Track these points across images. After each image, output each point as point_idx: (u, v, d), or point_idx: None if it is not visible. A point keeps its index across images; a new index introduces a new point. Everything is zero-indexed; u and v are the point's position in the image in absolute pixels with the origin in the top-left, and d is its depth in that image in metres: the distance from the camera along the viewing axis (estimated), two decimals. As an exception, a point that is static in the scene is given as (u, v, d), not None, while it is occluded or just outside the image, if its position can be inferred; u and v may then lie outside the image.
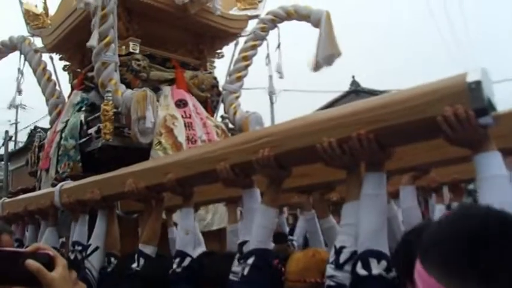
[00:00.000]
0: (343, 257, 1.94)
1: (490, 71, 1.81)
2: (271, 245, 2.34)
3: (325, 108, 22.23)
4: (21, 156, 18.87)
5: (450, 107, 1.74)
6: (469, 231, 0.91)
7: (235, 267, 2.51)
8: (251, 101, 6.23)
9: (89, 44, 4.71)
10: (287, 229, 5.36)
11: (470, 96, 1.73)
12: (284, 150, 2.25)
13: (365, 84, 23.37)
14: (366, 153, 1.97)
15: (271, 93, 5.70)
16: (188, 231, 2.87)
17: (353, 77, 23.53)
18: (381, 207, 1.97)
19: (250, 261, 2.22)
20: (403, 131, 1.93)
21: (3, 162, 22.18)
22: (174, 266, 2.80)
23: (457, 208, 1.07)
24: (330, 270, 1.97)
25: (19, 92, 6.51)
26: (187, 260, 2.79)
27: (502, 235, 0.91)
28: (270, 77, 17.10)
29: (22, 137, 23.83)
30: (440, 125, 1.77)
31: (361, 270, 1.81)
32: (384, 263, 1.82)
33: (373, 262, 1.81)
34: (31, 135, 19.15)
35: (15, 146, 23.83)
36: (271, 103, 17.74)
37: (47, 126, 6.51)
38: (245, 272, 2.22)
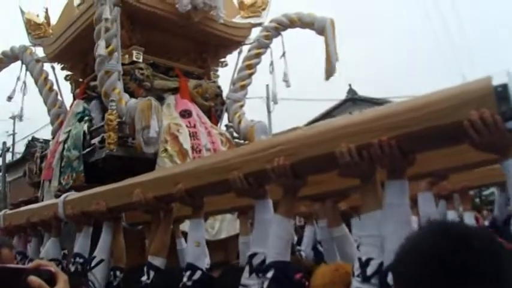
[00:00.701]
0: (370, 270, 1.87)
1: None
2: (289, 257, 2.27)
3: (323, 117, 22.30)
4: (18, 168, 18.80)
5: (476, 111, 1.68)
6: (429, 255, 0.98)
7: (246, 279, 2.43)
8: (248, 109, 6.18)
9: (97, 53, 4.64)
10: (295, 239, 5.27)
11: (497, 99, 1.67)
12: (300, 158, 2.18)
13: (362, 92, 23.32)
14: (388, 160, 1.91)
15: (274, 102, 5.66)
16: (199, 243, 2.81)
17: (350, 85, 23.50)
18: (406, 216, 1.91)
19: (270, 274, 2.15)
20: (426, 137, 1.86)
21: (0, 173, 22.11)
22: (185, 279, 2.72)
23: (420, 228, 1.14)
24: (356, 283, 1.89)
25: (9, 98, 6.40)
26: (198, 274, 2.72)
27: (460, 261, 0.96)
28: (267, 86, 17.17)
29: (20, 148, 23.76)
30: (467, 130, 1.70)
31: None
32: None
33: None
34: (29, 146, 19.08)
35: (12, 157, 23.76)
36: (269, 112, 17.73)
37: (45, 137, 6.46)
38: (264, 287, 2.15)
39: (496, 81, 1.69)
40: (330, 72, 5.46)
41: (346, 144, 1.97)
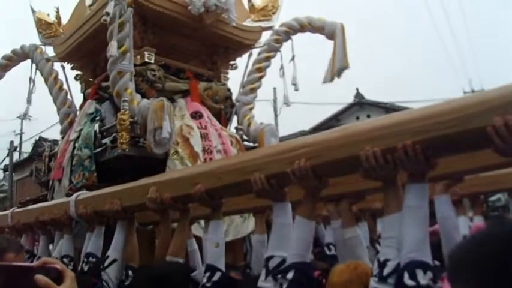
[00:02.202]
0: (387, 270, 1.90)
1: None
2: (309, 259, 2.29)
3: (329, 121, 22.30)
4: (25, 167, 18.90)
5: (500, 118, 1.71)
6: (499, 256, 0.91)
7: (261, 282, 2.44)
8: (255, 112, 6.21)
9: (109, 53, 4.66)
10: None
11: None
12: (323, 161, 2.21)
13: (369, 96, 23.29)
14: (412, 164, 1.93)
15: (286, 104, 5.73)
16: (218, 244, 2.81)
17: (357, 89, 23.45)
18: (423, 219, 1.94)
19: (290, 275, 2.16)
20: (450, 142, 1.89)
21: (7, 173, 22.16)
22: (204, 280, 2.73)
23: (486, 228, 1.07)
24: (373, 283, 1.93)
25: (29, 101, 6.43)
26: (217, 275, 2.72)
27: None
28: (274, 89, 17.21)
29: (27, 148, 23.85)
30: (491, 136, 1.73)
31: (408, 281, 1.77)
32: (429, 274, 1.79)
33: (419, 273, 1.78)
34: (36, 145, 19.15)
35: (19, 157, 23.81)
36: (276, 115, 17.76)
37: (52, 137, 6.47)
38: None
39: None
40: (331, 76, 5.47)
41: (372, 148, 2.00)
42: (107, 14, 4.64)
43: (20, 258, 2.92)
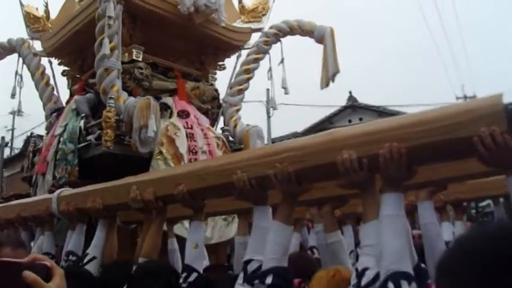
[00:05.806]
0: (365, 280, 1.88)
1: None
2: (286, 263, 2.27)
3: (322, 123, 22.33)
4: (16, 163, 18.66)
5: (486, 128, 1.71)
6: (479, 256, 0.88)
7: (239, 286, 2.42)
8: (247, 114, 6.20)
9: (101, 53, 4.62)
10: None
11: (507, 117, 1.70)
12: (306, 166, 2.19)
13: (362, 99, 23.33)
14: (393, 169, 1.92)
15: (273, 107, 5.78)
16: (197, 245, 2.79)
17: (350, 92, 23.47)
18: (402, 227, 1.92)
19: (269, 280, 2.12)
20: (435, 150, 1.88)
21: (-2, 168, 21.87)
22: (180, 280, 2.71)
23: (468, 232, 1.02)
24: None
25: (13, 95, 6.35)
26: (193, 276, 2.70)
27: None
28: (268, 90, 17.08)
29: (18, 144, 23.60)
30: (476, 146, 1.73)
31: None
32: (414, 285, 1.77)
33: (404, 284, 1.76)
34: (27, 141, 18.94)
35: (11, 152, 23.57)
36: (268, 116, 17.66)
37: (44, 132, 6.40)
38: None
39: (507, 99, 1.72)
40: (326, 81, 5.49)
41: (348, 152, 2.00)
42: (110, 17, 4.61)
43: (18, 254, 2.87)
